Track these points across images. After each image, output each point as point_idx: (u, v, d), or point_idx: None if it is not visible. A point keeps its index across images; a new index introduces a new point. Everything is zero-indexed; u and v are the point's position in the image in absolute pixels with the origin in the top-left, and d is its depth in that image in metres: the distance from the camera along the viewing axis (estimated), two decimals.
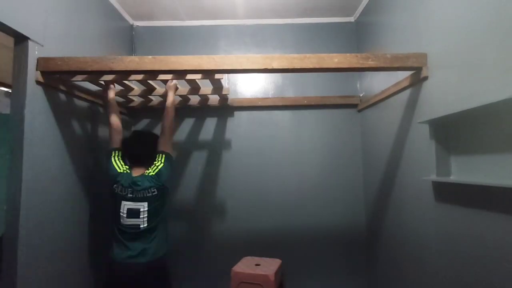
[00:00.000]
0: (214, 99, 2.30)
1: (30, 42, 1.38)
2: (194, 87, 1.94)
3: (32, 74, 1.40)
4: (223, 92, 2.01)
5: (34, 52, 1.41)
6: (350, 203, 2.38)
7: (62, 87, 1.59)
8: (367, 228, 2.33)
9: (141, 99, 2.27)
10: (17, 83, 1.37)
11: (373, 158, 2.17)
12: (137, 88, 1.98)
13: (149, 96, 2.18)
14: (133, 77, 1.70)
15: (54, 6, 1.55)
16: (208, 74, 1.66)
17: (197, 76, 1.71)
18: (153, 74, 1.65)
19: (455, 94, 1.25)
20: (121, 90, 1.95)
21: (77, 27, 1.76)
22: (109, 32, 2.16)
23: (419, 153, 1.51)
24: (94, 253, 1.87)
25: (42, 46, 1.45)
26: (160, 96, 2.08)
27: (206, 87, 1.97)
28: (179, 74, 1.66)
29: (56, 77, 1.53)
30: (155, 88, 1.95)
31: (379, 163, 2.05)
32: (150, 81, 1.81)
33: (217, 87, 1.94)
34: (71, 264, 1.67)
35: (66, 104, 1.68)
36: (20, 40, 1.38)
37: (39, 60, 1.42)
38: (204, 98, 2.26)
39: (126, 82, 1.80)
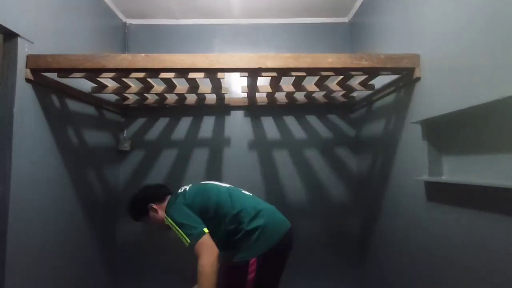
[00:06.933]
0: (211, 98, 2.29)
1: (19, 39, 1.35)
2: (193, 86, 1.92)
3: (22, 72, 1.37)
4: (222, 92, 2.00)
5: (23, 49, 1.38)
6: (343, 202, 2.39)
7: (53, 86, 1.56)
8: (360, 227, 2.34)
9: (136, 97, 2.25)
10: (5, 81, 1.34)
11: (366, 159, 2.19)
12: (134, 86, 1.93)
13: (145, 94, 2.15)
14: (130, 74, 1.65)
15: (45, 2, 1.52)
16: (208, 72, 1.62)
17: (199, 75, 1.68)
18: (147, 72, 1.63)
19: (447, 94, 1.26)
20: (117, 87, 1.92)
21: (69, 24, 1.73)
22: (101, 29, 2.13)
23: (411, 153, 1.52)
24: (85, 252, 1.85)
25: (32, 43, 1.42)
26: (156, 94, 2.05)
27: (204, 86, 1.96)
28: (181, 72, 1.63)
29: (46, 75, 1.51)
30: (152, 86, 1.92)
31: (372, 163, 2.06)
32: (148, 79, 1.78)
33: (217, 86, 1.93)
34: (62, 263, 1.64)
35: (57, 103, 1.65)
36: (9, 37, 1.35)
37: (29, 58, 1.39)
38: (202, 97, 2.25)
39: (123, 79, 1.76)
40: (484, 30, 1.06)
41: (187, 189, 1.65)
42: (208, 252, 1.40)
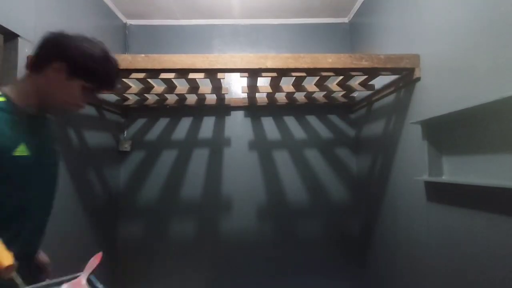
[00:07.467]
0: (211, 98, 2.30)
1: (20, 40, 1.35)
2: (194, 86, 1.92)
3: (22, 72, 1.37)
4: (222, 92, 2.00)
5: (24, 50, 1.38)
6: (343, 202, 2.39)
7: None
8: (360, 227, 2.34)
9: (136, 98, 2.25)
10: (6, 81, 1.34)
11: (366, 159, 2.19)
12: (134, 86, 1.93)
13: (145, 95, 2.16)
14: (131, 75, 1.65)
15: (45, 2, 1.52)
16: (208, 73, 1.62)
17: (199, 76, 1.68)
18: (147, 72, 1.62)
19: (447, 95, 1.26)
20: (117, 88, 1.92)
21: (69, 24, 1.73)
22: (102, 30, 2.13)
23: (411, 154, 1.52)
24: (85, 252, 1.84)
25: (33, 43, 1.42)
26: (156, 94, 2.06)
27: (204, 86, 1.96)
28: (181, 73, 1.62)
29: None
30: (152, 87, 1.92)
31: (372, 163, 2.06)
32: (148, 79, 1.78)
33: (217, 86, 1.93)
34: (62, 263, 1.64)
35: None
36: (10, 37, 1.35)
37: (29, 58, 1.39)
38: (202, 97, 2.25)
39: (123, 79, 1.76)
40: (484, 30, 1.06)
41: None
42: None
